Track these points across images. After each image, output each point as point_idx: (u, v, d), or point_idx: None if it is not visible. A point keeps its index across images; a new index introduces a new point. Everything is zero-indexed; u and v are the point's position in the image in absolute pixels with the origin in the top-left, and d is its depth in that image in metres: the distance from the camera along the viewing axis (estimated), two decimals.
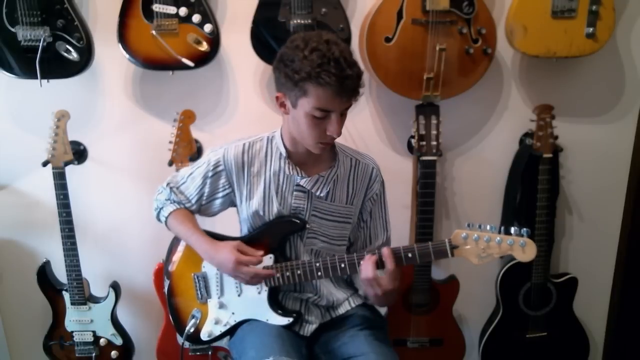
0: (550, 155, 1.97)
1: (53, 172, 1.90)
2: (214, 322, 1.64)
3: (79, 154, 2.10)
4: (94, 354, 2.08)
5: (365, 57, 1.90)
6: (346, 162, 1.61)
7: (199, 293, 1.65)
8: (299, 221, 1.57)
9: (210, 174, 1.60)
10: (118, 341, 2.09)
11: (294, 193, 1.58)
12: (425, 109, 1.92)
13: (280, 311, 1.60)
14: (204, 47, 1.89)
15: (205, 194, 1.63)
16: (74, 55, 1.86)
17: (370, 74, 1.93)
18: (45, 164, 1.89)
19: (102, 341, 2.07)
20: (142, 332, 2.27)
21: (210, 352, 1.97)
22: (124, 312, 2.21)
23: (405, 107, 2.02)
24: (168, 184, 1.67)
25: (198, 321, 1.64)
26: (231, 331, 1.64)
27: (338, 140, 1.64)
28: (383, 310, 2.09)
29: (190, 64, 1.89)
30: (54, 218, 1.95)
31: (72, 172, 2.01)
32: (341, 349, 1.58)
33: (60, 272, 2.07)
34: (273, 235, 1.59)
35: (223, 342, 1.70)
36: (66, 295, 2.03)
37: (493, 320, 2.20)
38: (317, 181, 1.57)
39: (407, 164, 2.17)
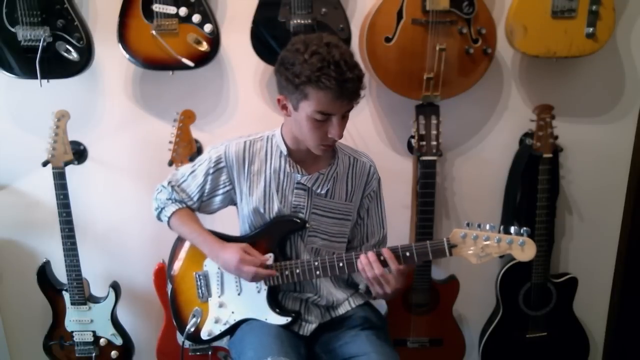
0: (550, 155, 1.97)
1: (53, 172, 1.90)
2: (214, 321, 1.64)
3: (79, 154, 2.10)
4: (94, 354, 2.08)
5: (365, 57, 1.90)
6: (345, 160, 1.62)
7: (200, 292, 1.65)
8: (299, 220, 1.58)
9: (211, 170, 1.60)
10: (118, 341, 2.09)
11: (295, 191, 1.58)
12: (425, 109, 1.92)
13: (278, 310, 1.60)
14: (204, 47, 1.89)
15: (206, 191, 1.63)
16: (74, 55, 1.86)
17: (370, 74, 1.93)
18: (45, 164, 1.89)
19: (102, 341, 2.07)
20: (142, 332, 2.27)
21: (210, 352, 1.97)
22: (124, 312, 2.21)
23: (405, 107, 2.02)
24: (169, 183, 1.67)
25: (199, 320, 1.64)
26: (231, 331, 1.64)
27: None
28: (383, 310, 2.09)
29: (190, 64, 1.89)
30: (54, 218, 1.95)
31: (72, 172, 2.01)
32: (342, 348, 1.58)
33: (60, 272, 2.07)
34: (273, 235, 1.59)
35: (223, 342, 1.70)
36: (66, 295, 2.03)
37: (493, 320, 2.20)
38: (317, 179, 1.57)
39: (407, 164, 2.17)
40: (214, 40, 1.89)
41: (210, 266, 1.64)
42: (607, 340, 2.42)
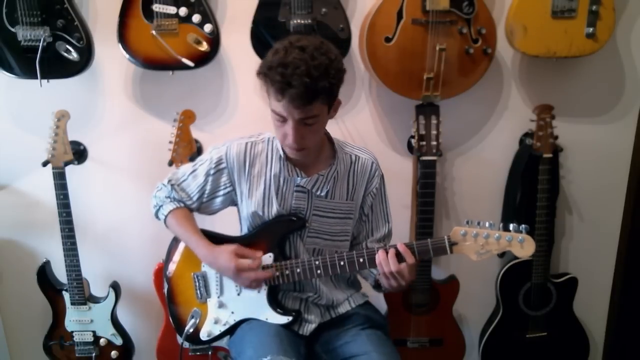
0: (550, 155, 1.97)
1: (53, 172, 1.90)
2: (213, 321, 1.64)
3: (79, 154, 2.10)
4: (94, 354, 2.08)
5: (365, 57, 1.90)
6: (346, 160, 1.61)
7: (198, 293, 1.64)
8: (297, 219, 1.57)
9: (212, 171, 1.60)
10: (118, 341, 2.09)
11: (295, 194, 1.58)
12: (425, 109, 1.92)
13: (279, 310, 1.59)
14: (204, 47, 1.89)
15: (207, 192, 1.63)
16: (74, 55, 1.86)
17: (370, 74, 1.93)
18: (45, 164, 1.89)
19: (102, 341, 2.07)
20: (142, 332, 2.27)
21: (210, 352, 1.97)
22: (124, 312, 2.20)
23: (405, 107, 2.02)
24: (169, 181, 1.66)
25: (197, 321, 1.63)
26: (231, 331, 1.64)
27: (337, 136, 1.64)
28: (383, 310, 2.09)
29: (190, 64, 1.89)
30: (54, 218, 1.95)
31: (72, 172, 2.01)
32: (343, 348, 1.58)
33: (60, 272, 2.07)
34: (272, 235, 1.59)
35: (223, 342, 1.70)
36: (66, 295, 2.03)
37: (493, 320, 2.20)
38: (317, 181, 1.57)
39: (407, 164, 2.17)
40: (214, 40, 1.89)
41: (208, 267, 1.63)
42: (607, 340, 2.42)
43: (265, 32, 1.89)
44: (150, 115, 2.11)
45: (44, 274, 2.06)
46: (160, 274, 1.96)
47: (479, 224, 1.40)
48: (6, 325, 2.31)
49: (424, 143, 1.93)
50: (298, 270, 1.54)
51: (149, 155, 2.12)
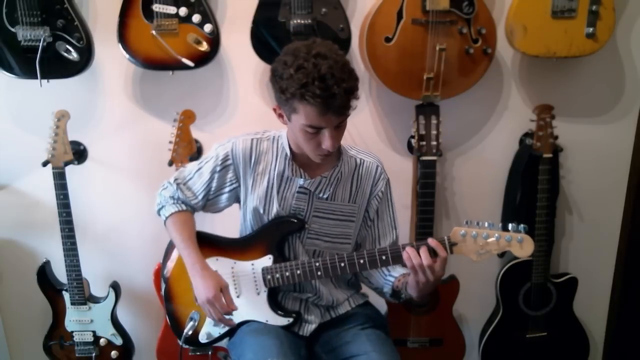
0: (550, 155, 1.97)
1: (53, 172, 1.90)
2: (212, 323, 1.63)
3: (79, 154, 2.10)
4: (94, 354, 2.08)
5: (365, 57, 1.90)
6: (350, 162, 1.60)
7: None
8: (296, 221, 1.57)
9: (218, 168, 1.59)
10: (118, 341, 2.09)
11: (296, 194, 1.58)
12: (425, 109, 1.92)
13: (280, 312, 1.59)
14: (204, 47, 1.89)
15: (213, 189, 1.62)
16: (74, 55, 1.86)
17: (370, 74, 1.93)
18: (45, 164, 1.89)
19: (102, 341, 2.07)
20: (142, 332, 2.27)
21: (210, 352, 1.97)
22: (124, 312, 2.20)
23: (405, 107, 2.02)
24: (175, 180, 1.65)
25: (196, 323, 1.62)
26: (230, 332, 1.63)
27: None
28: (383, 310, 2.09)
29: (190, 64, 1.89)
30: (54, 218, 1.95)
31: (72, 172, 2.01)
32: (343, 348, 1.58)
33: (60, 272, 2.07)
34: (272, 236, 1.58)
35: (223, 342, 1.69)
36: (66, 295, 2.03)
37: (493, 320, 2.20)
38: (320, 182, 1.57)
39: (407, 164, 2.17)
40: (214, 40, 1.89)
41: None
42: (607, 340, 2.42)
43: (265, 32, 1.89)
44: (150, 115, 2.11)
45: (44, 274, 2.06)
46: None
47: (478, 224, 1.40)
48: (6, 325, 2.31)
49: (424, 143, 1.93)
50: (298, 271, 1.53)
51: (149, 155, 2.12)
